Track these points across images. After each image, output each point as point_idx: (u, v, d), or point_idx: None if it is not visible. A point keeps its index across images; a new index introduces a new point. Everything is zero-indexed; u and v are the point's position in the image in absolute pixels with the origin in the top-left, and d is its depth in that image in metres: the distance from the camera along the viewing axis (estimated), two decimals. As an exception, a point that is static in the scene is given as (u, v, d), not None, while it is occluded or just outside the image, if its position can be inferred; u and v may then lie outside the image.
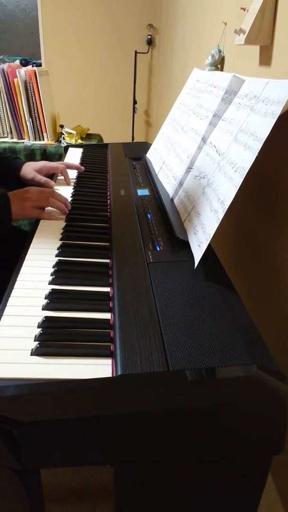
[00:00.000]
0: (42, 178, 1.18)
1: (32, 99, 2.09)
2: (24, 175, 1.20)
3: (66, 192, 1.17)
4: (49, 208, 0.98)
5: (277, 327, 0.95)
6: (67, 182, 1.23)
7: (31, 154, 2.10)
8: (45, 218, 0.96)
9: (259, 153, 0.68)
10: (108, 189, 1.19)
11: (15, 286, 0.70)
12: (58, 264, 0.77)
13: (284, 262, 0.91)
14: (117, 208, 1.01)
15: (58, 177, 1.27)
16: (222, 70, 1.37)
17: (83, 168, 1.31)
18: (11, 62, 2.42)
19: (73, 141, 2.14)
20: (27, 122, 2.14)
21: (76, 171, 1.32)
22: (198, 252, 0.74)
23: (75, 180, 1.26)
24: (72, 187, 1.21)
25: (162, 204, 1.00)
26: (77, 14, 3.00)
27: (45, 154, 2.11)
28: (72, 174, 1.29)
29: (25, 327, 0.61)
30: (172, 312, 0.61)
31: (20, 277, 0.73)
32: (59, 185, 1.23)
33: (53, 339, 0.58)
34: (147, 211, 0.99)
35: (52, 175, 1.27)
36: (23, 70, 2.06)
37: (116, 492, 0.57)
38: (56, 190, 1.02)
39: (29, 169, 1.20)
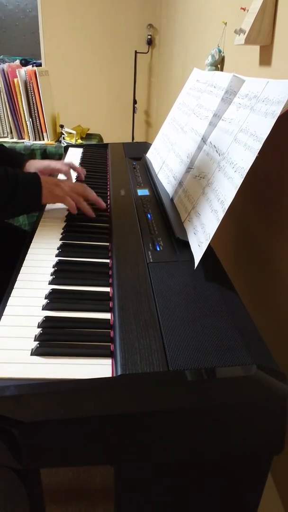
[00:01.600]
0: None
1: (32, 99, 2.09)
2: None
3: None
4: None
5: (277, 327, 0.95)
6: None
7: (31, 154, 2.11)
8: (69, 207, 0.95)
9: (259, 153, 0.68)
10: (108, 189, 1.19)
11: (15, 286, 0.70)
12: (58, 264, 0.77)
13: (284, 262, 0.91)
14: (117, 208, 1.01)
15: (60, 176, 1.23)
16: (222, 70, 1.37)
17: (83, 177, 1.25)
18: (11, 62, 2.42)
19: (73, 141, 2.15)
20: (27, 122, 2.14)
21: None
22: (198, 252, 0.74)
23: (75, 180, 1.26)
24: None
25: (162, 204, 1.00)
26: (77, 14, 3.00)
27: (45, 154, 2.11)
28: (73, 174, 1.29)
29: (25, 327, 0.61)
30: (172, 312, 0.61)
31: (20, 277, 0.73)
32: None
33: (53, 339, 0.58)
34: (147, 211, 0.99)
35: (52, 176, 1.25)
36: (23, 70, 2.06)
37: (116, 492, 0.57)
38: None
39: (33, 168, 1.16)
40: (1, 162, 1.19)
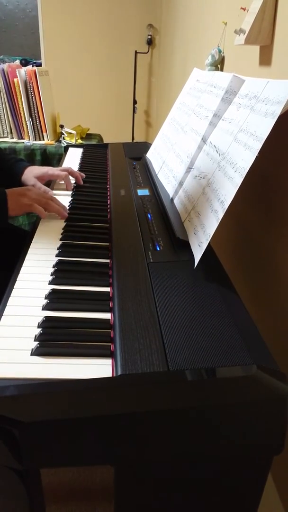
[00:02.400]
0: (42, 187, 1.14)
1: (32, 99, 2.09)
2: (25, 180, 1.17)
3: (66, 192, 1.17)
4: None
5: (277, 327, 0.95)
6: (68, 188, 1.19)
7: (31, 154, 2.10)
8: (37, 213, 0.93)
9: (259, 153, 0.68)
10: (108, 189, 1.19)
11: (15, 286, 0.70)
12: (58, 264, 0.77)
13: (284, 261, 0.91)
14: (117, 208, 1.01)
15: (59, 182, 1.23)
16: (222, 70, 1.37)
17: (84, 175, 1.26)
18: (11, 62, 2.42)
19: (73, 141, 2.14)
20: (27, 122, 2.14)
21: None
22: (198, 252, 0.74)
23: (75, 180, 1.26)
24: (72, 187, 1.21)
25: (162, 204, 1.00)
26: (77, 14, 3.00)
27: (45, 154, 2.11)
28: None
29: (25, 327, 0.61)
30: (172, 312, 0.61)
31: (20, 277, 0.73)
32: (59, 189, 1.19)
33: (53, 339, 0.58)
34: (147, 211, 0.99)
35: (51, 182, 1.24)
36: (23, 70, 2.06)
37: (116, 492, 0.57)
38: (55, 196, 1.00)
39: (31, 175, 1.17)
40: (1, 169, 1.21)
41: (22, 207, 0.93)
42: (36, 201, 0.94)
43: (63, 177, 1.19)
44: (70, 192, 1.17)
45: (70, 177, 1.22)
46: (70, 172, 1.22)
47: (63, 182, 1.21)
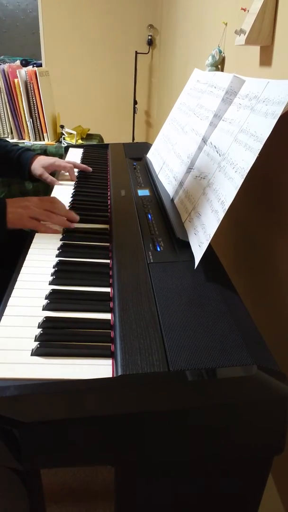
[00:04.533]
0: (49, 177, 1.21)
1: (33, 99, 2.09)
2: (34, 170, 1.23)
3: (66, 192, 1.17)
4: None
5: (278, 327, 0.95)
6: (72, 179, 1.26)
7: (31, 154, 2.11)
8: (41, 231, 0.90)
9: (260, 153, 0.68)
10: (108, 190, 1.19)
11: (15, 286, 0.70)
12: (58, 264, 0.77)
13: (284, 262, 0.91)
14: (117, 209, 1.01)
15: (64, 173, 1.30)
16: (222, 70, 1.37)
17: (90, 169, 1.33)
18: (12, 62, 2.42)
19: (73, 142, 2.15)
20: (28, 122, 2.14)
21: (77, 170, 1.32)
22: (198, 252, 0.74)
23: (75, 181, 1.26)
24: (73, 187, 1.21)
25: (163, 205, 1.00)
26: (78, 15, 3.00)
27: (45, 155, 2.10)
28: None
29: (25, 327, 0.61)
30: (173, 312, 0.61)
31: (20, 277, 0.73)
32: (63, 180, 1.26)
33: (53, 339, 0.58)
34: (148, 211, 0.99)
35: (55, 172, 1.30)
36: (23, 70, 2.06)
37: (116, 492, 0.57)
38: (57, 198, 0.96)
39: (39, 165, 1.23)
40: (8, 161, 1.23)
41: (23, 222, 0.89)
42: (38, 214, 0.90)
43: (68, 169, 1.26)
44: (73, 183, 1.24)
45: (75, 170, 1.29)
46: (75, 165, 1.30)
47: (67, 174, 1.27)
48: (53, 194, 1.15)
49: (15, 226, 0.89)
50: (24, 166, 1.24)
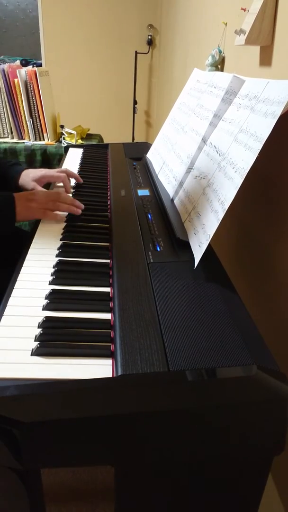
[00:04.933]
0: (42, 190, 1.11)
1: (33, 99, 2.09)
2: (23, 185, 1.15)
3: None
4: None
5: (277, 327, 0.95)
6: (67, 191, 1.16)
7: (31, 154, 2.11)
8: (50, 218, 0.95)
9: (260, 153, 0.68)
10: (108, 189, 1.19)
11: (15, 286, 0.70)
12: (58, 264, 0.77)
13: (284, 262, 0.91)
14: (117, 208, 1.01)
15: (58, 184, 1.21)
16: (222, 70, 1.37)
17: (81, 180, 1.23)
18: (12, 62, 2.43)
19: (73, 141, 2.15)
20: (28, 122, 2.14)
21: (76, 171, 1.31)
22: (198, 252, 0.74)
23: (72, 192, 1.25)
24: (72, 187, 1.21)
25: (163, 205, 1.00)
26: (78, 15, 3.00)
27: (45, 155, 2.11)
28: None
29: (25, 327, 0.61)
30: (172, 312, 0.61)
31: (20, 277, 0.73)
32: (59, 187, 1.19)
33: (53, 339, 0.58)
34: (148, 211, 0.99)
35: (50, 184, 1.23)
36: (23, 70, 2.06)
37: (116, 492, 0.57)
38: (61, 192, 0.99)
39: (28, 178, 1.15)
40: None
41: (31, 212, 0.93)
42: (45, 205, 0.94)
43: (61, 179, 1.17)
44: (69, 194, 1.15)
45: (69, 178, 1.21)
46: (68, 173, 1.20)
47: (61, 184, 1.18)
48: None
49: (24, 219, 0.93)
50: (11, 181, 1.17)
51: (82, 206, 0.98)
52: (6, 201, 0.91)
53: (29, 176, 1.16)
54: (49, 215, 0.95)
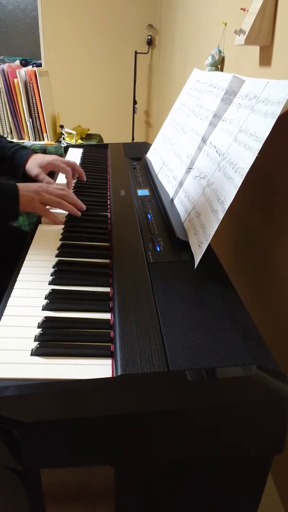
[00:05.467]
0: (45, 179, 1.11)
1: (32, 99, 2.09)
2: (29, 170, 1.13)
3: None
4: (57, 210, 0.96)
5: (277, 327, 0.95)
6: (68, 186, 1.15)
7: (31, 154, 2.10)
8: (49, 218, 0.94)
9: (259, 153, 0.68)
10: (108, 189, 1.19)
11: (15, 287, 0.70)
12: (58, 264, 0.77)
13: (284, 262, 0.91)
14: (117, 208, 1.01)
15: (60, 175, 1.22)
16: (222, 70, 1.37)
17: (85, 178, 1.22)
18: (11, 62, 2.43)
19: (73, 141, 2.15)
20: (27, 122, 2.14)
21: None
22: (198, 252, 0.74)
23: (75, 181, 1.26)
24: (72, 187, 1.21)
25: (162, 205, 1.00)
26: (77, 15, 3.00)
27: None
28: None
29: (25, 327, 0.61)
30: (172, 312, 0.61)
31: (20, 277, 0.73)
32: (62, 182, 1.18)
33: (53, 339, 0.58)
34: (147, 211, 0.99)
35: (54, 172, 1.22)
36: (23, 70, 2.06)
37: (116, 492, 0.57)
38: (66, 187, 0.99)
39: (35, 164, 1.13)
40: (1, 158, 1.18)
41: (35, 207, 0.93)
42: (49, 200, 0.93)
43: (67, 173, 1.15)
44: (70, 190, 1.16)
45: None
46: (74, 168, 1.18)
47: (64, 176, 1.17)
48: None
49: (26, 209, 0.92)
50: (18, 164, 1.15)
51: (84, 207, 0.98)
52: (10, 190, 0.90)
53: (36, 162, 1.14)
54: (49, 215, 0.94)
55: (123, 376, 0.50)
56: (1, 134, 2.22)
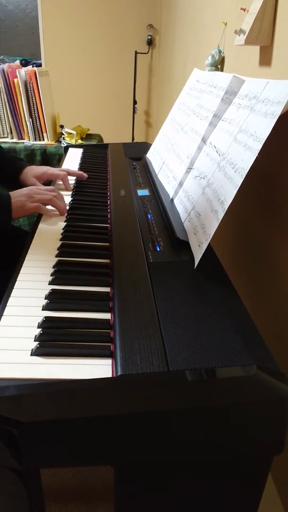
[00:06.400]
0: (41, 187, 1.12)
1: (32, 99, 2.09)
2: (24, 179, 1.18)
3: (66, 193, 1.17)
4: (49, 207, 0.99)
5: (277, 327, 0.95)
6: (67, 189, 1.18)
7: (31, 154, 2.11)
8: (43, 212, 0.97)
9: (259, 153, 0.68)
10: (108, 189, 1.19)
11: (15, 286, 0.70)
12: (58, 264, 0.77)
13: (284, 262, 0.91)
14: (117, 208, 1.01)
15: (58, 182, 1.22)
16: (222, 70, 1.37)
17: (86, 175, 1.25)
18: (11, 62, 2.43)
19: (73, 141, 2.15)
20: (27, 122, 2.14)
21: (74, 178, 1.30)
22: (198, 252, 0.74)
23: (75, 181, 1.26)
24: (72, 187, 1.21)
25: (162, 204, 1.00)
26: (77, 14, 3.00)
27: (45, 155, 2.11)
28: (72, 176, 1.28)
29: (25, 327, 0.61)
30: (172, 312, 0.61)
31: (20, 277, 0.73)
32: (59, 190, 1.17)
33: (53, 339, 0.58)
34: (147, 211, 0.99)
35: (51, 181, 1.24)
36: (23, 70, 2.06)
37: (116, 492, 0.57)
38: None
39: (30, 174, 1.18)
40: (1, 168, 1.21)
41: (27, 210, 0.95)
42: (41, 200, 0.96)
43: (61, 177, 1.19)
44: (70, 193, 1.17)
45: (69, 177, 1.21)
46: (69, 173, 1.22)
47: (61, 182, 1.20)
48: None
49: (19, 215, 0.95)
50: (13, 175, 1.20)
51: (65, 212, 1.00)
52: (2, 203, 0.93)
53: (32, 172, 1.19)
54: (43, 209, 0.97)
55: (123, 376, 0.50)
56: (2, 135, 2.22)
